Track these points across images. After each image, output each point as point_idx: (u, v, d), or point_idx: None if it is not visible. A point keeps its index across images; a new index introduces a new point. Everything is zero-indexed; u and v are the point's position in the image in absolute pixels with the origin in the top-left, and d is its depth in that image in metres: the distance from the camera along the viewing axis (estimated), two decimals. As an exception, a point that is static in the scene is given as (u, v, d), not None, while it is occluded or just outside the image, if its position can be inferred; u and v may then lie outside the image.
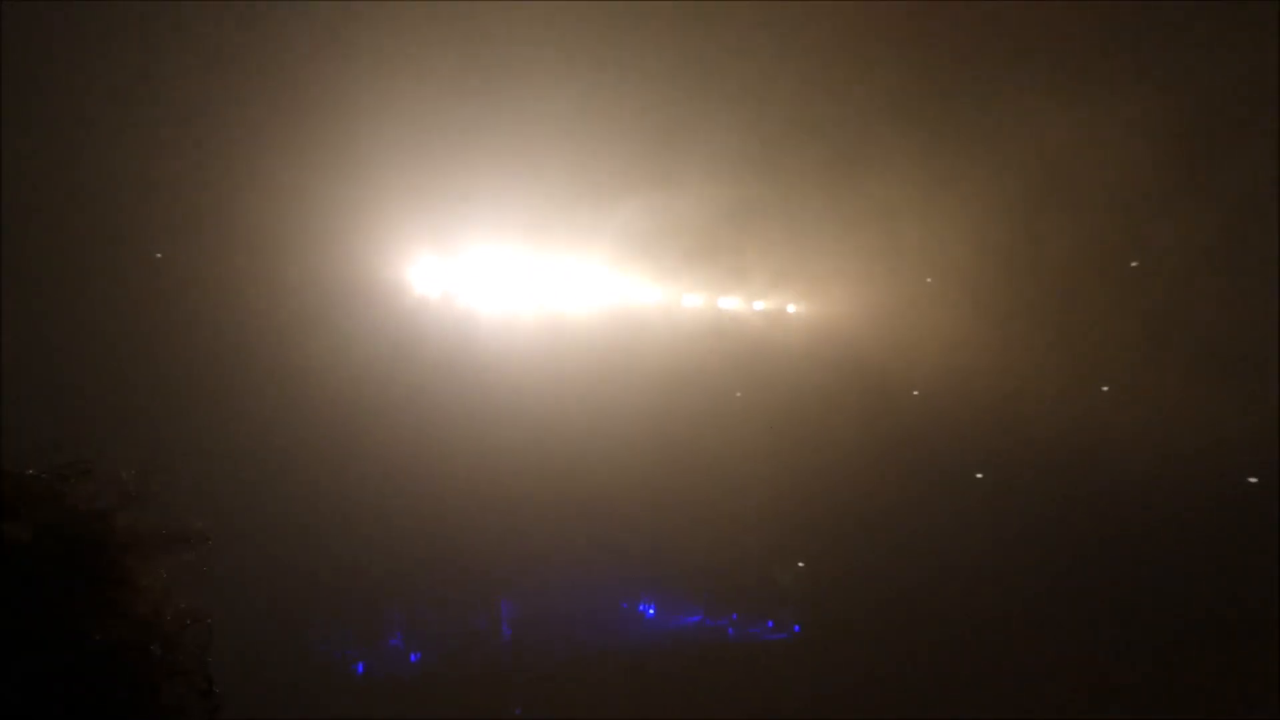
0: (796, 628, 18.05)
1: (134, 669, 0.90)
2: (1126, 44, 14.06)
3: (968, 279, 16.03)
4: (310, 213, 13.56)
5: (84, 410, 12.83)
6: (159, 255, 13.61)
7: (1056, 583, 15.44)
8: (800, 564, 18.46)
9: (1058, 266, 15.41)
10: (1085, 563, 15.53)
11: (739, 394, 18.08)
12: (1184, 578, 14.25)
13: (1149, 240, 15.42)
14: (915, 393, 17.66)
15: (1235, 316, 14.67)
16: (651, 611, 19.17)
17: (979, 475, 17.66)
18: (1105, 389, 16.19)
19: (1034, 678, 12.20)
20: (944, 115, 14.84)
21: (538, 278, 16.58)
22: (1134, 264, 16.11)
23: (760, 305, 18.32)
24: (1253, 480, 14.90)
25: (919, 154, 14.62)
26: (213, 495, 13.49)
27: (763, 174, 15.07)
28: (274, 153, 12.92)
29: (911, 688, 12.16)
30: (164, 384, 13.31)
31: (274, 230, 13.46)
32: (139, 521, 1.01)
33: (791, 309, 18.35)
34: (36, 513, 0.92)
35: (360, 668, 15.12)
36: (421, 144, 13.55)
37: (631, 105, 14.33)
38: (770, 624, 18.38)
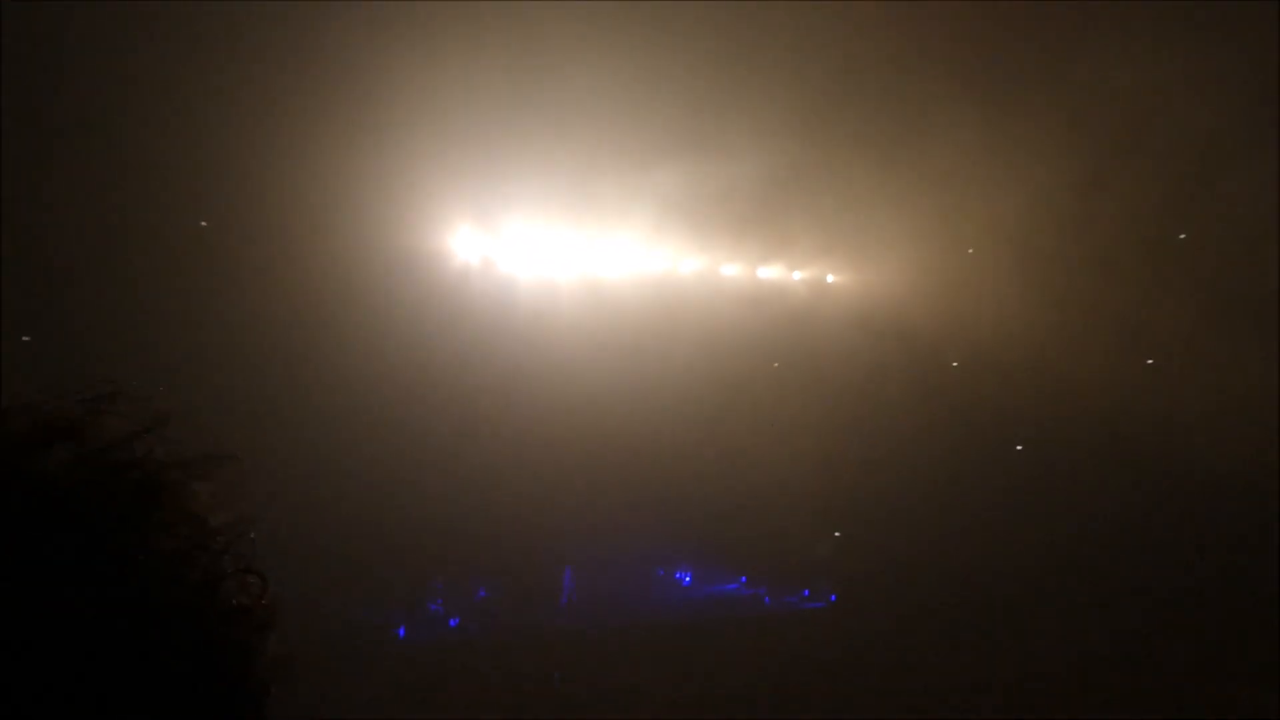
0: (833, 597, 18.09)
1: (189, 574, 0.96)
2: (1184, 12, 13.78)
3: (1016, 249, 15.91)
4: (357, 187, 13.78)
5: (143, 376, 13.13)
6: (204, 224, 13.86)
7: (1096, 555, 15.36)
8: (837, 534, 18.48)
9: (1108, 238, 15.21)
10: (1126, 537, 15.43)
11: (776, 364, 18.08)
12: (1230, 552, 14.11)
13: (1199, 213, 15.20)
14: (955, 364, 17.58)
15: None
16: (688, 579, 19.28)
17: (1019, 447, 17.57)
18: (1150, 362, 16.04)
19: (1070, 650, 12.16)
20: (1001, 83, 14.60)
21: (578, 246, 16.65)
22: (1182, 236, 15.91)
23: (800, 275, 18.27)
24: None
25: (975, 123, 14.45)
26: (258, 459, 13.72)
27: (806, 142, 14.96)
28: (323, 131, 13.17)
29: (947, 658, 12.17)
30: (218, 348, 13.58)
31: (325, 204, 13.72)
32: (173, 443, 1.07)
33: (831, 279, 18.29)
34: (72, 441, 0.95)
35: (401, 632, 15.36)
36: (463, 114, 13.63)
37: (676, 72, 14.30)
38: (806, 593, 18.44)
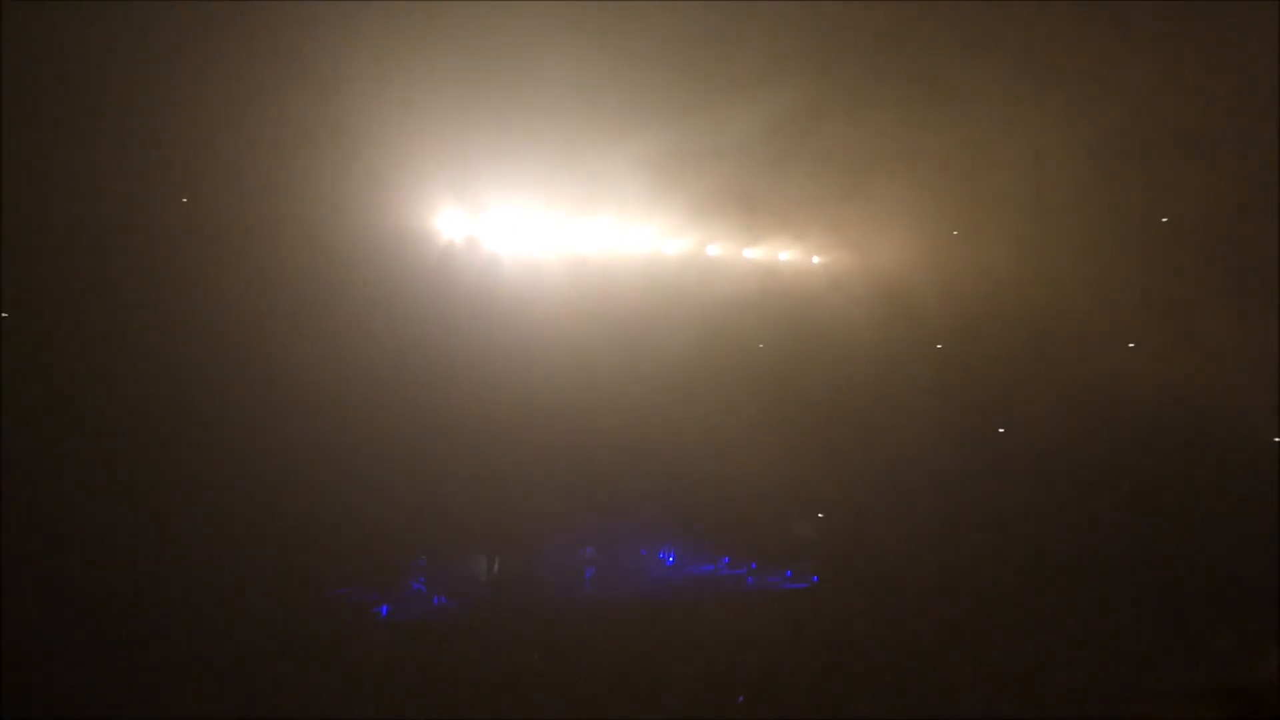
0: (815, 578, 18.16)
1: None
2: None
3: (1006, 229, 15.91)
4: (341, 170, 13.76)
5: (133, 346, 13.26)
6: (185, 200, 13.78)
7: (1086, 538, 15.44)
8: (820, 515, 18.54)
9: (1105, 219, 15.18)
10: (1114, 520, 15.49)
11: (761, 345, 18.09)
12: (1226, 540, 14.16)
13: (1195, 192, 15.22)
14: (939, 346, 17.61)
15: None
16: (671, 559, 19.34)
17: (1000, 430, 17.64)
18: (1131, 346, 16.09)
19: (1054, 633, 12.25)
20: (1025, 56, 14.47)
21: (561, 224, 16.61)
22: (1164, 220, 15.93)
23: (786, 255, 18.26)
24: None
25: (993, 96, 14.37)
26: (244, 440, 13.73)
27: (793, 117, 14.89)
28: (304, 114, 13.18)
29: (929, 640, 12.24)
30: (204, 332, 13.56)
31: (308, 187, 13.70)
32: None
33: (816, 259, 18.29)
34: None
35: (384, 610, 15.36)
36: (443, 94, 13.58)
37: (658, 45, 14.23)
38: (789, 574, 18.50)
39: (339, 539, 14.94)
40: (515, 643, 12.95)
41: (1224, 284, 15.08)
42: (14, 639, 10.51)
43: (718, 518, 18.22)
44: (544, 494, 17.30)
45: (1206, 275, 15.11)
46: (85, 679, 10.06)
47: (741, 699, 10.53)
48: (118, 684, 9.99)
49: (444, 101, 13.67)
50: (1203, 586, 12.92)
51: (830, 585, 17.12)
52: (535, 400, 16.46)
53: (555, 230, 16.70)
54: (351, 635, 13.58)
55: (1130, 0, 13.70)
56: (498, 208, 16.07)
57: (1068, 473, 16.12)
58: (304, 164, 13.50)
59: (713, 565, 19.15)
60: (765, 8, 14.02)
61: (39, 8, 11.99)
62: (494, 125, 14.18)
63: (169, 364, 13.56)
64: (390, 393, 15.33)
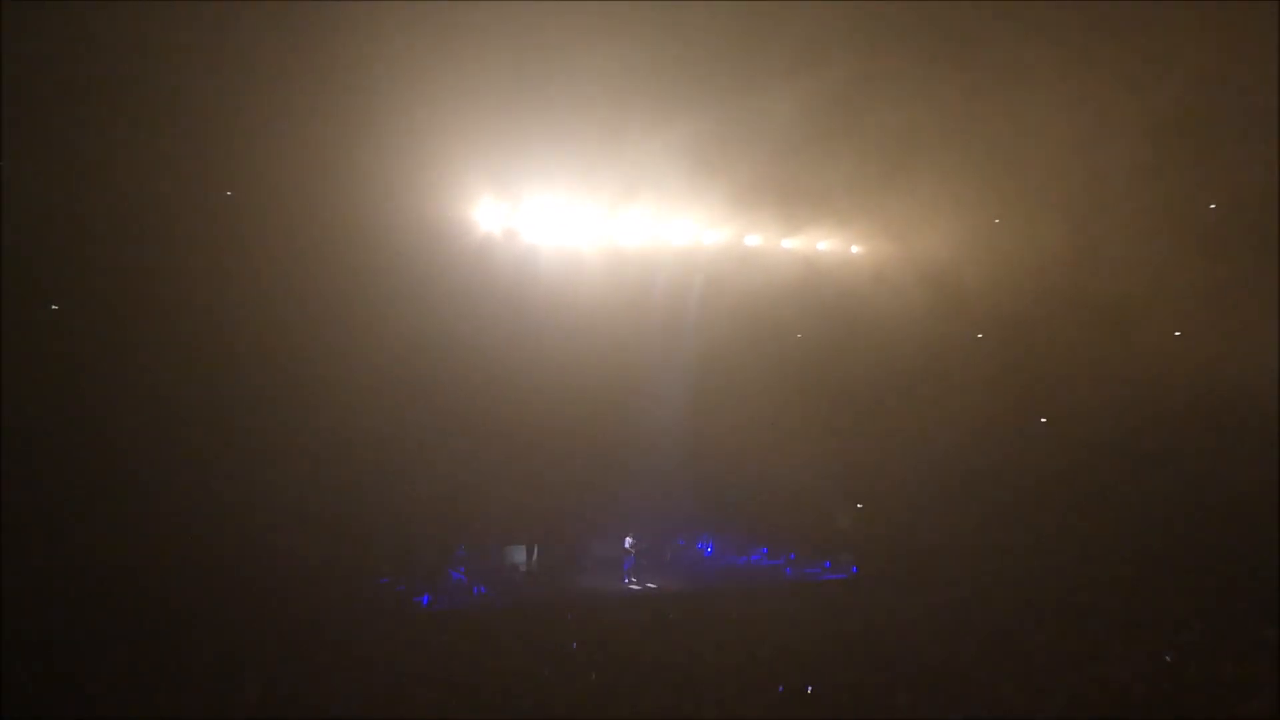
0: (855, 569, 18.10)
1: None
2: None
3: (1042, 219, 15.74)
4: (381, 165, 13.90)
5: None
6: (229, 194, 13.97)
7: (1120, 537, 15.29)
8: (859, 506, 18.48)
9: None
10: (1164, 511, 15.31)
11: (800, 335, 18.03)
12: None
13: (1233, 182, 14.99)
14: (979, 336, 17.47)
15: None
16: (710, 550, 19.35)
17: (1043, 420, 17.48)
18: (1178, 335, 15.89)
19: (1097, 624, 12.13)
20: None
21: (600, 216, 16.62)
22: (1212, 206, 15.71)
23: (825, 245, 18.17)
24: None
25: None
26: (287, 429, 13.88)
27: (833, 108, 14.76)
28: (347, 107, 13.32)
29: (971, 632, 12.14)
30: (247, 323, 13.76)
31: (348, 181, 13.85)
32: None
33: (855, 249, 18.18)
34: None
35: (425, 600, 15.48)
36: (482, 87, 13.64)
37: (696, 36, 14.18)
38: (828, 564, 18.46)
39: (381, 530, 15.09)
40: (555, 633, 12.98)
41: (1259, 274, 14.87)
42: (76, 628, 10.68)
43: (756, 509, 18.21)
44: (582, 484, 17.38)
45: (1261, 263, 14.88)
46: (136, 667, 10.22)
47: (781, 689, 10.49)
48: (173, 664, 10.16)
49: (483, 95, 13.72)
50: (1251, 577, 12.74)
51: (870, 576, 17.07)
52: (573, 391, 16.52)
53: (594, 221, 16.72)
54: (394, 624, 13.69)
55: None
56: (536, 199, 16.11)
57: (1114, 463, 15.95)
58: (345, 159, 13.63)
59: (752, 556, 19.16)
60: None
61: (88, 7, 12.19)
62: (533, 117, 14.21)
63: (218, 357, 13.79)
64: (430, 385, 15.44)
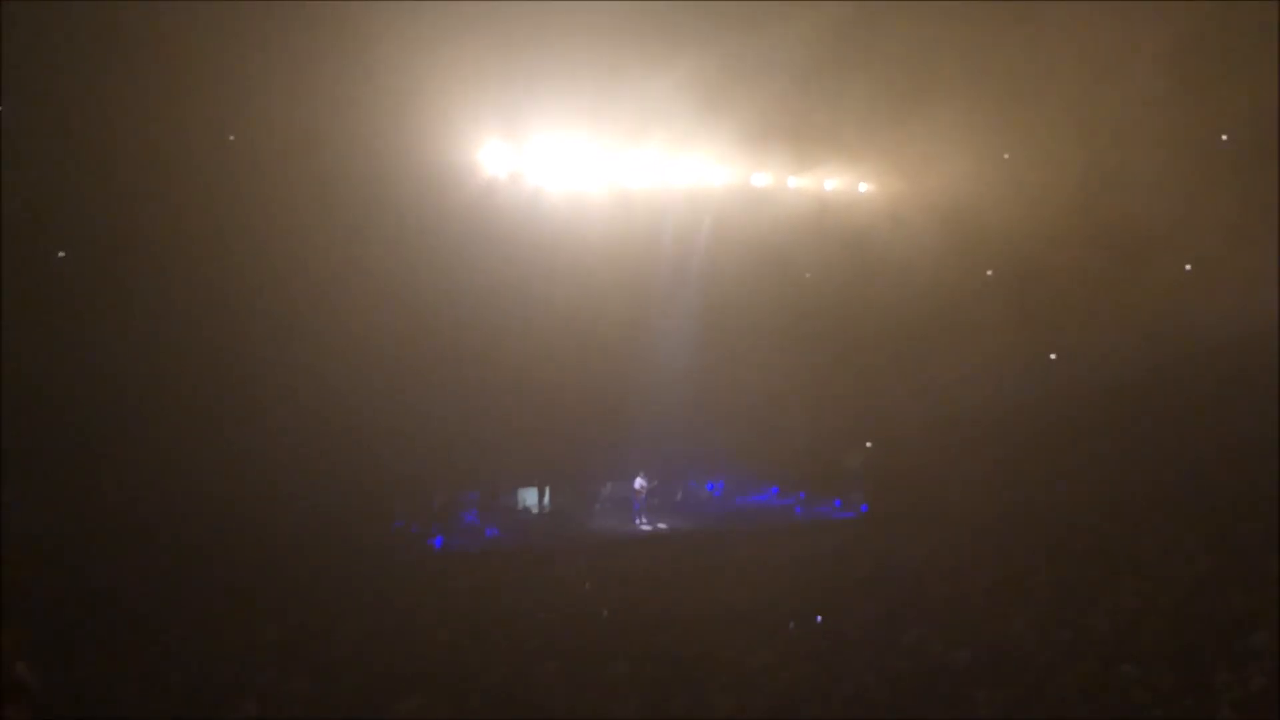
0: (864, 507, 18.18)
1: None
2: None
3: (1050, 159, 15.57)
4: (383, 110, 13.79)
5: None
6: (231, 137, 13.87)
7: (1128, 472, 15.25)
8: (868, 444, 18.50)
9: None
10: (1179, 453, 15.24)
11: (809, 275, 17.92)
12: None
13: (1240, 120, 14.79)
14: (989, 273, 17.35)
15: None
16: (720, 490, 19.45)
17: (1053, 356, 17.42)
18: (1188, 269, 15.76)
19: (1105, 564, 12.14)
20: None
21: (604, 155, 16.44)
22: (1224, 138, 15.48)
23: (832, 184, 17.98)
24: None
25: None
26: (295, 375, 13.91)
27: (840, 46, 14.54)
28: (349, 49, 13.18)
29: (981, 571, 12.19)
30: (256, 265, 13.73)
31: (351, 122, 13.75)
32: None
33: (864, 187, 17.99)
34: None
35: (438, 542, 15.61)
36: (482, 27, 13.46)
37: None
38: (838, 503, 18.53)
39: (394, 474, 15.15)
40: (568, 575, 13.09)
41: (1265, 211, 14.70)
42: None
43: (767, 448, 18.24)
44: (592, 426, 17.41)
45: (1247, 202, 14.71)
46: (152, 614, 10.34)
47: (793, 625, 10.60)
48: (190, 609, 10.27)
49: (485, 33, 13.54)
50: (1258, 511, 12.72)
51: (880, 515, 17.12)
52: (582, 334, 16.50)
53: (600, 162, 16.54)
54: (407, 565, 13.82)
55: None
56: (541, 140, 15.94)
57: (1127, 403, 15.89)
58: (347, 101, 13.51)
59: (762, 495, 19.26)
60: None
61: None
62: (536, 56, 14.03)
63: (228, 298, 13.78)
64: (440, 331, 15.41)
